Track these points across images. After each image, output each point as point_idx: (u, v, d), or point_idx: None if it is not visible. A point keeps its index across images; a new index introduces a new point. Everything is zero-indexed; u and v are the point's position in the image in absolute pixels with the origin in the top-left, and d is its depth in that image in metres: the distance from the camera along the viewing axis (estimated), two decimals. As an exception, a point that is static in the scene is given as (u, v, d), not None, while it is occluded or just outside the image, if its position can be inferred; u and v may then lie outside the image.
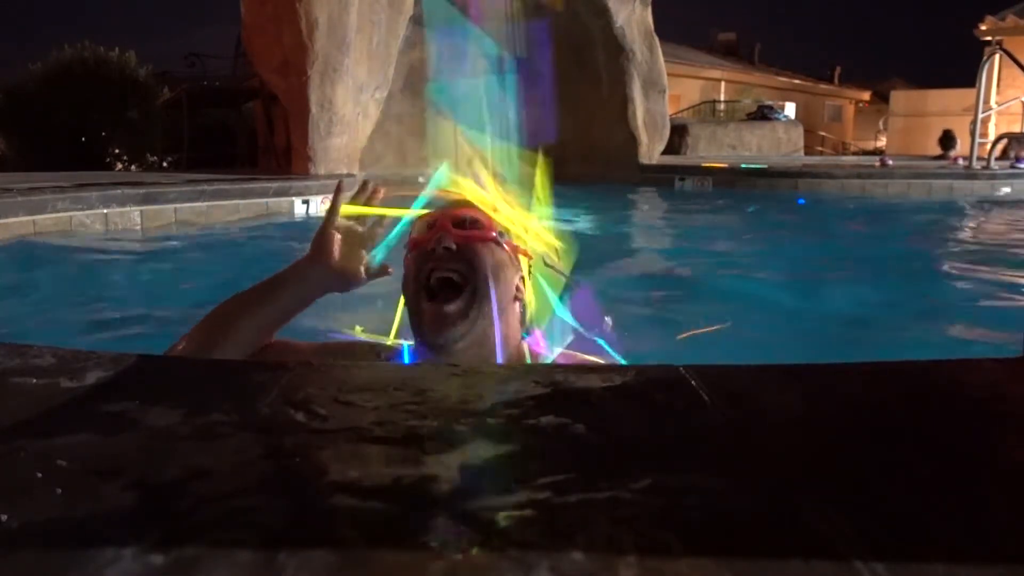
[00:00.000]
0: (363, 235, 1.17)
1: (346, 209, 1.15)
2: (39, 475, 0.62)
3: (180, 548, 0.50)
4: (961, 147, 10.61)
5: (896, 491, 0.61)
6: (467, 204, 1.19)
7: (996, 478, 0.64)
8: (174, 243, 4.05)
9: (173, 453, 0.67)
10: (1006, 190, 7.18)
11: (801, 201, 6.47)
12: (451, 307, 1.08)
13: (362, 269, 1.16)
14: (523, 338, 1.24)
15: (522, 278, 1.20)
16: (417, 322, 1.13)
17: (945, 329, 2.41)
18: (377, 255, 1.17)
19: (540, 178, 1.26)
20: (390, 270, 1.19)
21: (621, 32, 8.50)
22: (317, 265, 1.15)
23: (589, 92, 9.02)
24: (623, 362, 1.20)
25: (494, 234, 1.16)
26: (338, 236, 1.15)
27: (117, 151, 10.05)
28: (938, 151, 10.93)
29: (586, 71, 9.01)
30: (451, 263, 1.11)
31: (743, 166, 8.50)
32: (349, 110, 6.23)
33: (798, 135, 14.35)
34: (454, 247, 1.11)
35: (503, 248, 1.16)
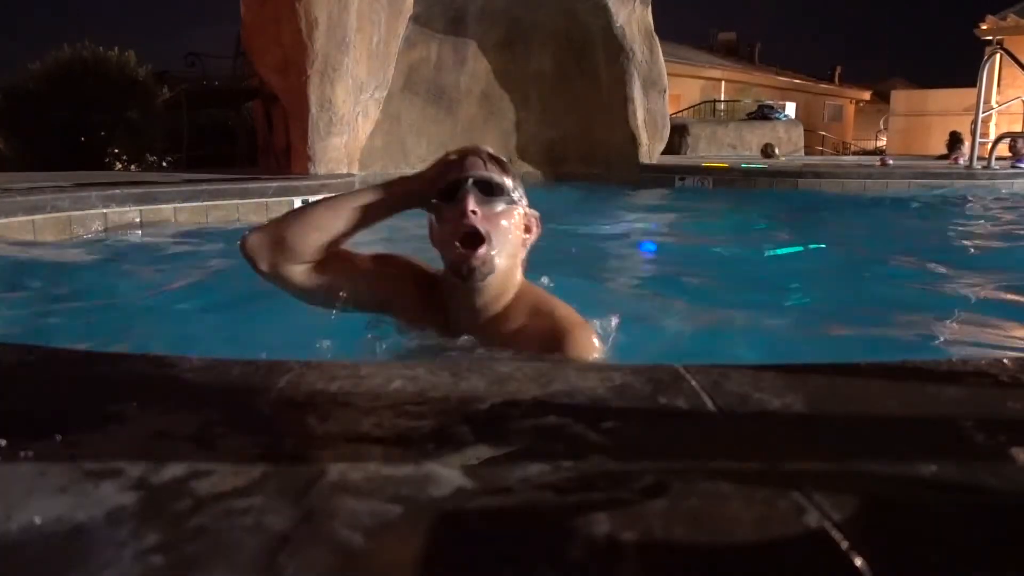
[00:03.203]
0: None
1: None
2: (40, 475, 0.62)
3: (180, 548, 0.50)
4: (966, 147, 10.64)
5: (897, 491, 0.61)
6: (490, 156, 1.43)
7: (997, 477, 0.64)
8: (174, 242, 4.05)
9: (173, 453, 0.67)
10: (1006, 190, 7.18)
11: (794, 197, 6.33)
12: (480, 252, 1.35)
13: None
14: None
15: (527, 227, 1.46)
16: (450, 263, 1.39)
17: (945, 328, 2.41)
18: None
19: None
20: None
21: (621, 32, 8.48)
22: (420, 186, 1.45)
23: (589, 92, 9.00)
24: None
25: (510, 195, 1.40)
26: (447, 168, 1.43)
27: (116, 151, 10.03)
28: (943, 152, 10.94)
29: (586, 71, 9.00)
30: (476, 222, 1.35)
31: (743, 166, 8.49)
32: (349, 110, 6.22)
33: (798, 135, 14.33)
34: (480, 219, 1.35)
35: (518, 205, 1.42)
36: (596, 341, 1.41)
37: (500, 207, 1.39)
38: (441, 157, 1.48)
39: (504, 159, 1.47)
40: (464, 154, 1.44)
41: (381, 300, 1.52)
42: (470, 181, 1.37)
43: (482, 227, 1.35)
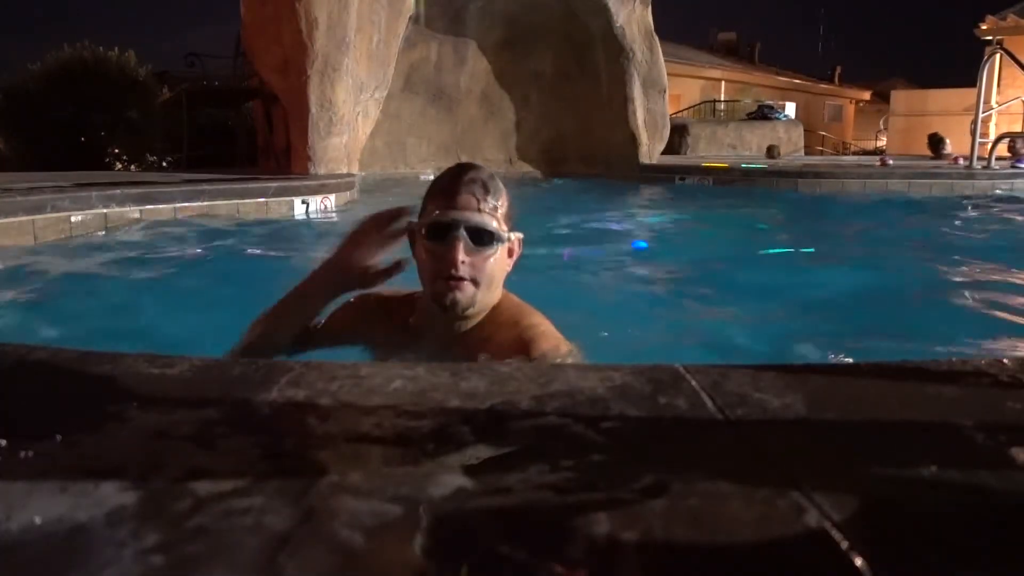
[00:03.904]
0: (381, 240, 1.41)
1: None
2: (40, 475, 0.62)
3: (180, 548, 0.50)
4: (951, 146, 10.67)
5: (897, 491, 0.61)
6: (484, 188, 1.37)
7: (997, 477, 0.64)
8: (174, 243, 4.05)
9: (173, 453, 0.67)
10: (1006, 190, 7.19)
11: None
12: (465, 288, 1.35)
13: (378, 271, 1.42)
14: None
15: (511, 250, 1.43)
16: (431, 292, 1.37)
17: (945, 328, 2.41)
18: None
19: None
20: (404, 266, 1.42)
21: (621, 32, 8.49)
22: (338, 273, 1.43)
23: (589, 92, 9.01)
24: None
25: (499, 234, 1.36)
26: (360, 245, 1.41)
27: (117, 151, 10.03)
28: (929, 154, 10.93)
29: (586, 71, 9.01)
30: (464, 271, 1.34)
31: (743, 166, 8.49)
32: (349, 110, 6.22)
33: (798, 135, 14.33)
34: (467, 266, 1.34)
35: (505, 243, 1.38)
36: (563, 350, 1.39)
37: (489, 251, 1.36)
38: (376, 218, 1.42)
39: (496, 182, 1.41)
40: (457, 186, 1.37)
41: (362, 344, 1.55)
42: (462, 228, 1.34)
43: (469, 274, 1.34)
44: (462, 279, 1.34)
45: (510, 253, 1.44)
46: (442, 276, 1.35)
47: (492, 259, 1.37)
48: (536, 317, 1.44)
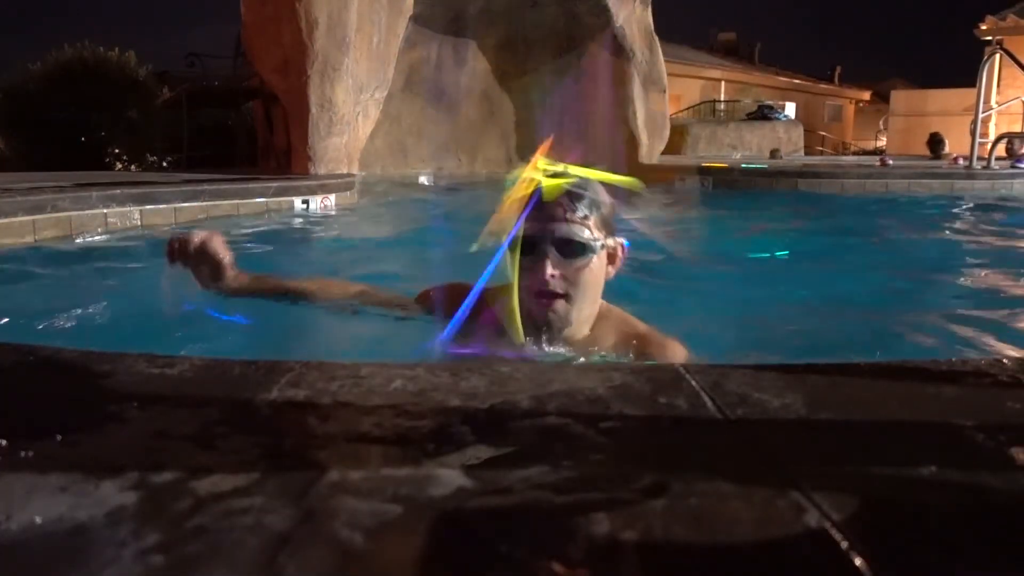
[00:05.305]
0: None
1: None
2: (40, 475, 0.62)
3: (180, 548, 0.50)
4: (949, 147, 10.70)
5: (897, 491, 0.61)
6: (566, 192, 1.30)
7: (997, 477, 0.64)
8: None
9: (173, 453, 0.67)
10: (1006, 190, 7.19)
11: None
12: (558, 307, 1.31)
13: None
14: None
15: (611, 256, 1.37)
16: (527, 310, 1.31)
17: (945, 328, 2.41)
18: None
19: None
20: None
21: (621, 32, 8.50)
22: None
23: (589, 92, 9.02)
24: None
25: (592, 244, 1.30)
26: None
27: (117, 151, 10.05)
28: (927, 154, 10.96)
29: (586, 71, 9.01)
30: (556, 285, 1.30)
31: (743, 166, 8.49)
32: (349, 110, 6.22)
33: (798, 135, 14.35)
34: (558, 278, 1.29)
35: (600, 252, 1.33)
36: (680, 351, 1.38)
37: (582, 262, 1.30)
38: None
39: (591, 184, 1.33)
40: (539, 195, 1.28)
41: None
42: (548, 242, 1.28)
43: (561, 287, 1.30)
44: (555, 294, 1.30)
45: (611, 260, 1.37)
46: (533, 291, 1.30)
47: (586, 270, 1.31)
48: (647, 325, 1.41)
